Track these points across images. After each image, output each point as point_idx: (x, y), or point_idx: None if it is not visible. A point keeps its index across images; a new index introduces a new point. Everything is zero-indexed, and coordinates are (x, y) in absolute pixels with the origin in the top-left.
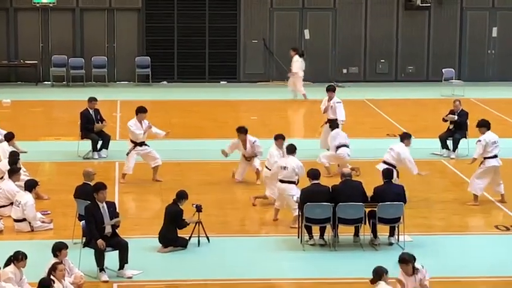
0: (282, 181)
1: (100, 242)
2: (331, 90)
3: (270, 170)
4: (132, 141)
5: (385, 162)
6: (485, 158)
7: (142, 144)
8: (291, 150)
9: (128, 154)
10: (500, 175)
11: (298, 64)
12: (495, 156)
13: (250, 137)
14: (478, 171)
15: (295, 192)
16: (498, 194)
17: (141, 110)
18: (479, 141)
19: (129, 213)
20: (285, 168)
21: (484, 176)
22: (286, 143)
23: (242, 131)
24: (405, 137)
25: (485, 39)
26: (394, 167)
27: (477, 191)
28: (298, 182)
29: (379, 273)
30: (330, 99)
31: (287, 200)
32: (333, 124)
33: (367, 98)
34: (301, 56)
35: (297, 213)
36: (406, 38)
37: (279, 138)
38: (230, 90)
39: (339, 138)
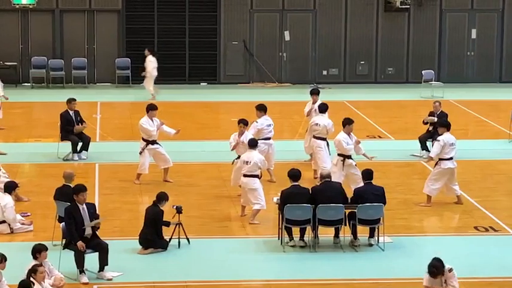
0: (245, 175)
1: (80, 244)
2: (315, 93)
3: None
4: (144, 140)
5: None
6: (441, 160)
7: (154, 142)
8: (253, 144)
9: (140, 153)
10: (456, 176)
11: (152, 64)
12: (451, 158)
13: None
14: (434, 173)
15: (258, 185)
16: (454, 196)
17: (151, 108)
18: (438, 141)
19: (109, 214)
20: (247, 162)
21: (440, 177)
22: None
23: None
24: (346, 123)
25: (464, 40)
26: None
27: (432, 192)
28: (261, 176)
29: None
30: (314, 102)
31: (249, 194)
32: None
33: (347, 100)
34: (154, 55)
35: (257, 207)
36: (386, 40)
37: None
38: (210, 92)
39: None
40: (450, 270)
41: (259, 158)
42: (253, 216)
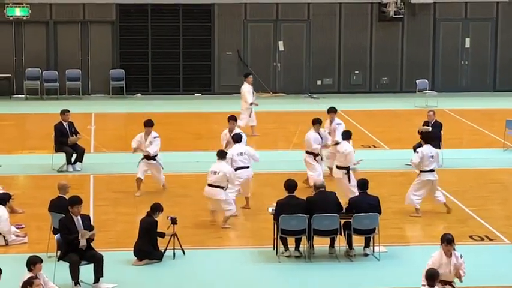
0: (211, 185)
1: (83, 232)
2: (332, 112)
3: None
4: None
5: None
6: (421, 172)
7: (150, 158)
8: (222, 155)
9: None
10: (437, 186)
11: None
12: (431, 171)
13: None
14: (414, 184)
15: (223, 195)
16: (440, 205)
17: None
18: (417, 152)
19: (103, 226)
20: (215, 173)
21: (420, 188)
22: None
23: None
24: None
25: (458, 50)
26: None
27: (414, 203)
28: (227, 188)
29: (436, 276)
30: (331, 121)
31: (215, 203)
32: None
33: (342, 109)
34: None
35: (229, 214)
36: (380, 49)
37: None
38: (204, 103)
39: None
40: (461, 256)
41: (229, 169)
42: (225, 222)
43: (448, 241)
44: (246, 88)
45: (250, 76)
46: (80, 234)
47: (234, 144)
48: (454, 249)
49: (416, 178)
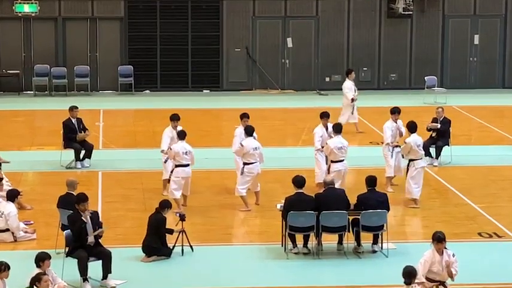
0: (187, 165)
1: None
2: (396, 112)
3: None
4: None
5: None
6: (412, 160)
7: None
8: (183, 135)
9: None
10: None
11: None
12: (421, 158)
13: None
14: (412, 175)
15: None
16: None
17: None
18: (405, 143)
19: (112, 222)
20: (187, 153)
21: (418, 177)
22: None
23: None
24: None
25: (467, 46)
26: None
27: (416, 194)
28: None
29: (413, 274)
30: (395, 121)
31: (188, 181)
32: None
33: None
34: None
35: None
36: (389, 46)
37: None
38: (213, 99)
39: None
40: (453, 255)
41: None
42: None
43: (438, 239)
44: (348, 84)
45: (353, 72)
46: (87, 228)
47: (247, 138)
48: (445, 247)
49: (409, 170)
